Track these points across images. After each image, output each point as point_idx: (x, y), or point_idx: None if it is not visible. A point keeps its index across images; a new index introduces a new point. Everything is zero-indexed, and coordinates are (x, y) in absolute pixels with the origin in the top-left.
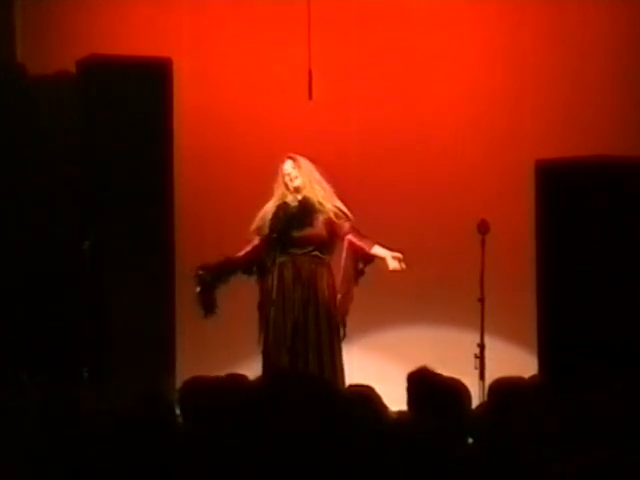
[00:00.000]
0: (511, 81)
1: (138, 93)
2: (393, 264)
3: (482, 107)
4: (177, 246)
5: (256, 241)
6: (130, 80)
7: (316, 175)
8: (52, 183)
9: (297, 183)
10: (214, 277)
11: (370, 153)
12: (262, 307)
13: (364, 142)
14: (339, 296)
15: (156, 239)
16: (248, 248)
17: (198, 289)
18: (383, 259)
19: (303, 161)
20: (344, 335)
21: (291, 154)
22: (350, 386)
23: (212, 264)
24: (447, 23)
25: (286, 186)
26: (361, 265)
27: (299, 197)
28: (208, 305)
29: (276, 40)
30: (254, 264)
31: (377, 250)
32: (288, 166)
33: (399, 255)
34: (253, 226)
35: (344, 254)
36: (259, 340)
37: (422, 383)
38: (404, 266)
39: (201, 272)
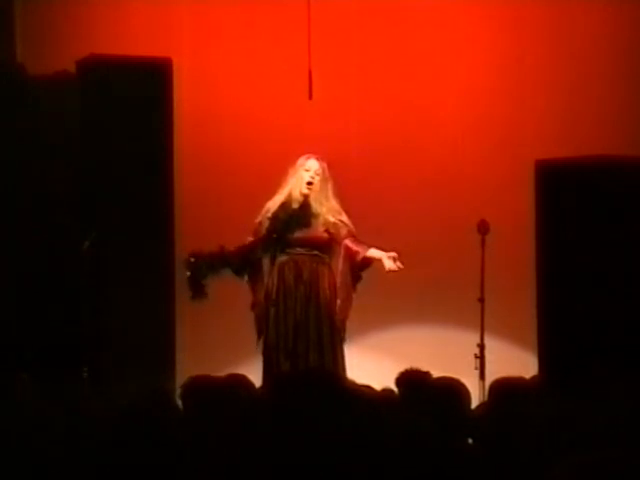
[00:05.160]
0: (511, 81)
1: (138, 93)
2: (389, 264)
3: (482, 107)
4: (177, 246)
5: (249, 240)
6: (130, 80)
7: (329, 191)
8: (52, 183)
9: (308, 192)
10: (206, 265)
11: (370, 153)
12: (256, 307)
13: (364, 142)
14: (338, 301)
15: (156, 239)
16: (242, 245)
17: (188, 273)
18: (381, 261)
19: (325, 172)
20: (344, 339)
21: (318, 156)
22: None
23: (204, 252)
24: (447, 23)
25: (300, 181)
26: (357, 270)
27: (302, 200)
28: (196, 290)
29: (276, 40)
30: (247, 264)
31: (372, 252)
32: (312, 166)
33: (394, 254)
34: (257, 220)
35: (341, 260)
36: (257, 342)
37: (412, 384)
38: (400, 265)
39: (192, 259)
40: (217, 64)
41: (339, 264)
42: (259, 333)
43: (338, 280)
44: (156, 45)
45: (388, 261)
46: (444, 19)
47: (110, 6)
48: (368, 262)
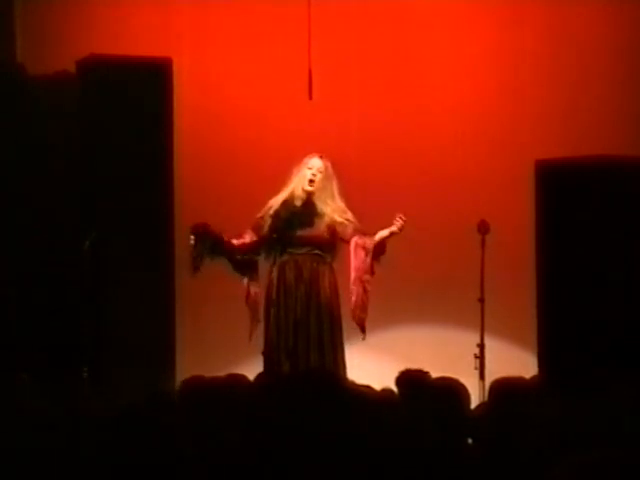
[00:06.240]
0: (511, 81)
1: (138, 93)
2: (396, 226)
3: (482, 107)
4: (177, 247)
5: (248, 238)
6: (130, 80)
7: (334, 190)
8: (52, 183)
9: (311, 189)
10: (208, 243)
11: (369, 153)
12: (249, 300)
13: (364, 142)
14: (353, 298)
15: (156, 240)
16: (243, 241)
17: (192, 240)
18: (390, 254)
19: (328, 170)
20: (364, 338)
21: (322, 155)
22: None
23: (213, 230)
24: (447, 23)
25: (303, 179)
26: (369, 260)
27: (305, 198)
28: (195, 262)
29: (276, 40)
30: (246, 262)
31: (381, 234)
32: (314, 164)
33: (396, 220)
34: (259, 214)
35: (352, 256)
36: (250, 335)
37: (411, 384)
38: (403, 217)
39: (201, 229)
40: (217, 64)
41: (351, 261)
42: (252, 325)
43: (352, 276)
44: (156, 45)
45: (394, 227)
46: (444, 19)
47: (110, 6)
48: (382, 248)
